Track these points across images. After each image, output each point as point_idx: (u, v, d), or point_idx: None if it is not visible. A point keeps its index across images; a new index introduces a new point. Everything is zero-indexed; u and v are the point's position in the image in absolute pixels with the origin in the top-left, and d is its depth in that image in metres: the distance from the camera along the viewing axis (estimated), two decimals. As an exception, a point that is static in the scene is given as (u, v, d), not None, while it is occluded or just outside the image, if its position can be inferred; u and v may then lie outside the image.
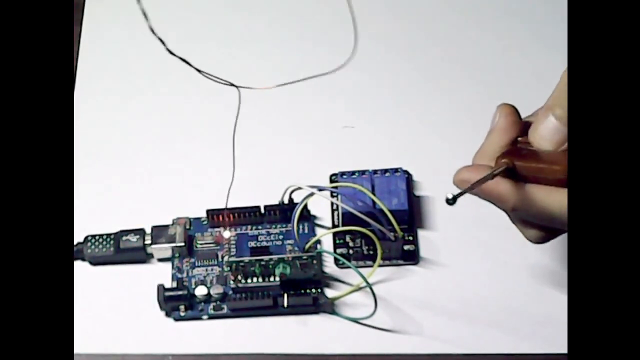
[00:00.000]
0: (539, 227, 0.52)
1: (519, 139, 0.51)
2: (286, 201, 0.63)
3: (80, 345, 0.61)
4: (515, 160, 0.49)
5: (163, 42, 0.48)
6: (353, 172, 0.64)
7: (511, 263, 0.63)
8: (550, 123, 0.49)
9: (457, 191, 0.48)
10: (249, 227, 0.64)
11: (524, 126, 0.51)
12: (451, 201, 0.48)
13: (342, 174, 0.64)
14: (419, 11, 0.73)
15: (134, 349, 0.62)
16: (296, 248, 0.63)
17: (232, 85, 0.55)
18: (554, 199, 0.49)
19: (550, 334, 0.61)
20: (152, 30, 0.47)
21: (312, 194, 0.62)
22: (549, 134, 0.49)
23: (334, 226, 0.65)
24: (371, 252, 0.63)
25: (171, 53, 0.49)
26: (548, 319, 0.61)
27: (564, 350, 0.59)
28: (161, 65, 0.71)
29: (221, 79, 0.53)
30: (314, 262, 0.61)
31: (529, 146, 0.50)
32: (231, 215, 0.64)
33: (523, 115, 0.52)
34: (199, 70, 0.52)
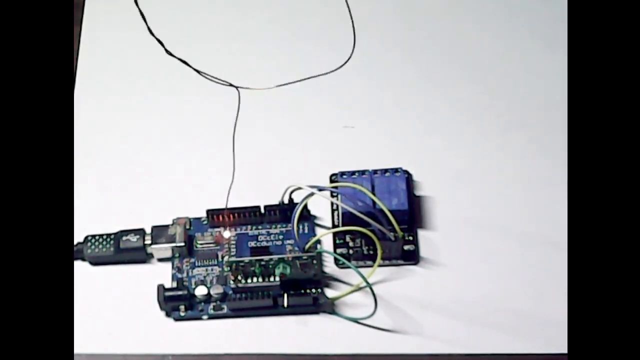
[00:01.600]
0: None
1: None
2: (286, 201, 0.63)
3: (80, 345, 0.61)
4: None
5: (162, 43, 0.48)
6: (353, 172, 0.64)
7: (511, 263, 0.63)
8: None
9: None
10: (249, 227, 0.64)
11: None
12: None
13: (342, 174, 0.64)
14: (418, 11, 0.73)
15: (134, 349, 0.62)
16: (296, 248, 0.63)
17: (232, 85, 0.55)
18: None
19: (550, 334, 0.61)
20: (151, 32, 0.47)
21: (312, 194, 0.62)
22: None
23: (334, 226, 0.65)
24: (371, 252, 0.63)
25: (170, 54, 0.49)
26: (548, 319, 0.61)
27: (564, 350, 0.59)
28: (161, 65, 0.71)
29: (220, 80, 0.53)
30: (314, 262, 0.61)
31: None
32: (231, 215, 0.64)
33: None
34: (197, 71, 0.52)
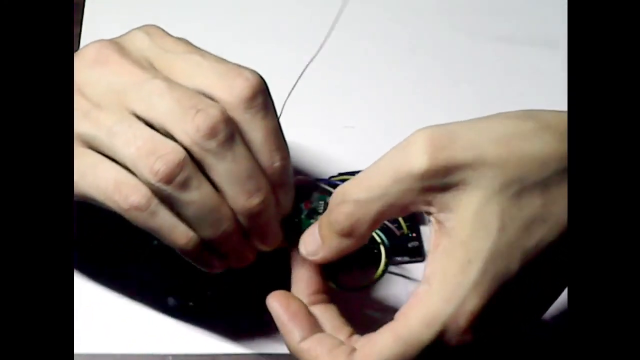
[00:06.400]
0: None
1: None
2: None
3: (80, 345, 0.61)
4: None
5: None
6: (353, 173, 0.64)
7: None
8: None
9: None
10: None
11: None
12: None
13: (342, 174, 0.64)
14: (418, 13, 0.73)
15: (134, 349, 0.62)
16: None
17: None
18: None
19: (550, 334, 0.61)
20: None
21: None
22: None
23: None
24: (375, 251, 0.63)
25: None
26: (548, 318, 0.61)
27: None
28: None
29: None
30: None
31: None
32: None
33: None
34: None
